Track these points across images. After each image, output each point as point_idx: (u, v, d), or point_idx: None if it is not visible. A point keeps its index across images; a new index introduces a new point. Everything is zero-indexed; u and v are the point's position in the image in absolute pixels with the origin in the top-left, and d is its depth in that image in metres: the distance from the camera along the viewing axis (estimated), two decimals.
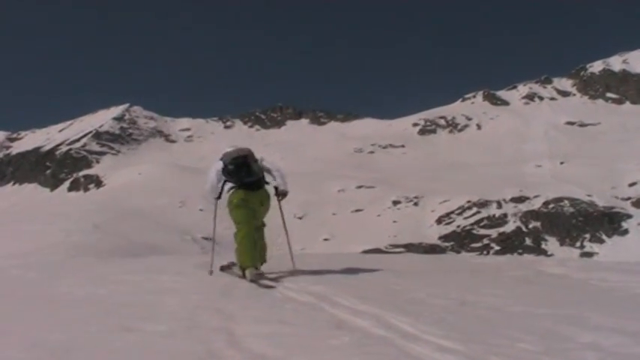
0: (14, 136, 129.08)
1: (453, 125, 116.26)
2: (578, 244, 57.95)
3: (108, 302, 4.86)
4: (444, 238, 59.32)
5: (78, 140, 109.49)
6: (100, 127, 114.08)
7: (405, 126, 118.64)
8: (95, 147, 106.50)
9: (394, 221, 62.34)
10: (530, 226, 60.39)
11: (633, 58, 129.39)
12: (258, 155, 6.25)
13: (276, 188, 6.19)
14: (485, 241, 58.78)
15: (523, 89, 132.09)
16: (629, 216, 60.18)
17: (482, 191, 65.68)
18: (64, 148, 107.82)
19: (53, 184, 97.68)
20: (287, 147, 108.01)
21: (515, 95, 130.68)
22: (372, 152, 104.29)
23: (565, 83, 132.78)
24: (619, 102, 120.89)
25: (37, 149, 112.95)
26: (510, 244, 57.73)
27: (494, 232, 59.87)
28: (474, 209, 62.78)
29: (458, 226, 60.78)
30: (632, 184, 67.02)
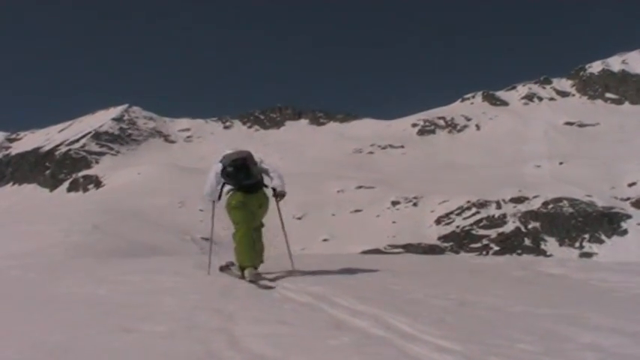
0: (14, 136, 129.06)
1: (452, 126, 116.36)
2: (577, 244, 57.97)
3: (107, 303, 4.86)
4: (443, 238, 59.33)
5: (77, 141, 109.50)
6: (100, 127, 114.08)
7: (404, 126, 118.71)
8: (94, 147, 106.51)
9: (393, 222, 62.36)
10: (530, 226, 60.41)
11: (632, 58, 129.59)
12: (257, 156, 6.26)
13: (274, 189, 6.21)
14: (485, 241, 58.80)
15: (522, 89, 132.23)
16: (629, 216, 60.21)
17: (481, 191, 65.72)
18: (63, 149, 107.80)
19: (52, 184, 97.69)
20: (286, 147, 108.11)
21: (514, 96, 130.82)
22: (371, 153, 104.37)
23: (564, 84, 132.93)
24: (618, 102, 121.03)
25: (36, 150, 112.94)
26: (510, 244, 57.75)
27: (493, 233, 59.89)
28: (473, 209, 62.81)
29: (457, 227, 60.80)
30: (631, 185, 67.08)
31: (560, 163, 79.14)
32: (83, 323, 4.02)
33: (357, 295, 4.72)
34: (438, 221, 62.28)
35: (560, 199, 62.69)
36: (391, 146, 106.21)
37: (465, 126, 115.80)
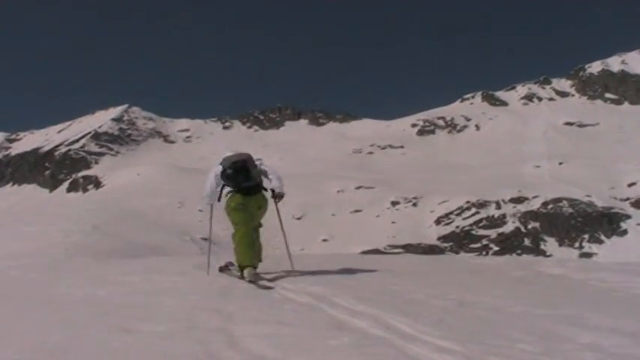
0: (13, 137, 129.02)
1: (451, 126, 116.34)
2: (577, 244, 57.96)
3: (107, 303, 4.86)
4: (443, 238, 59.31)
5: (77, 141, 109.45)
6: (99, 127, 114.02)
7: (403, 126, 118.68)
8: (94, 148, 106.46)
9: (393, 222, 62.34)
10: (529, 226, 60.40)
11: (632, 58, 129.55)
12: (256, 157, 6.28)
13: (272, 191, 6.23)
14: (484, 241, 58.78)
15: (522, 90, 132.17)
16: (628, 216, 60.20)
17: (481, 192, 65.71)
18: (62, 149, 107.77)
19: (52, 184, 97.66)
20: (286, 148, 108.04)
21: (513, 96, 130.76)
22: (370, 153, 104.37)
23: (564, 84, 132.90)
24: (618, 102, 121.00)
25: (36, 150, 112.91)
26: (509, 244, 57.74)
27: (493, 233, 59.87)
28: (473, 210, 62.80)
29: (457, 227, 60.77)
30: (631, 185, 67.09)
31: (560, 164, 79.11)
32: (83, 323, 4.02)
33: (357, 295, 4.72)
34: (438, 221, 62.25)
35: (559, 200, 62.69)
36: (391, 146, 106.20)
37: (465, 126, 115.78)
